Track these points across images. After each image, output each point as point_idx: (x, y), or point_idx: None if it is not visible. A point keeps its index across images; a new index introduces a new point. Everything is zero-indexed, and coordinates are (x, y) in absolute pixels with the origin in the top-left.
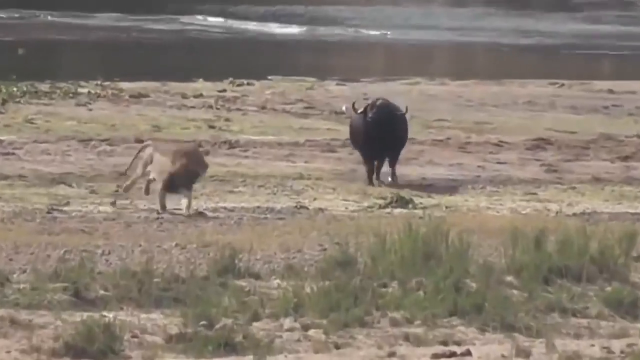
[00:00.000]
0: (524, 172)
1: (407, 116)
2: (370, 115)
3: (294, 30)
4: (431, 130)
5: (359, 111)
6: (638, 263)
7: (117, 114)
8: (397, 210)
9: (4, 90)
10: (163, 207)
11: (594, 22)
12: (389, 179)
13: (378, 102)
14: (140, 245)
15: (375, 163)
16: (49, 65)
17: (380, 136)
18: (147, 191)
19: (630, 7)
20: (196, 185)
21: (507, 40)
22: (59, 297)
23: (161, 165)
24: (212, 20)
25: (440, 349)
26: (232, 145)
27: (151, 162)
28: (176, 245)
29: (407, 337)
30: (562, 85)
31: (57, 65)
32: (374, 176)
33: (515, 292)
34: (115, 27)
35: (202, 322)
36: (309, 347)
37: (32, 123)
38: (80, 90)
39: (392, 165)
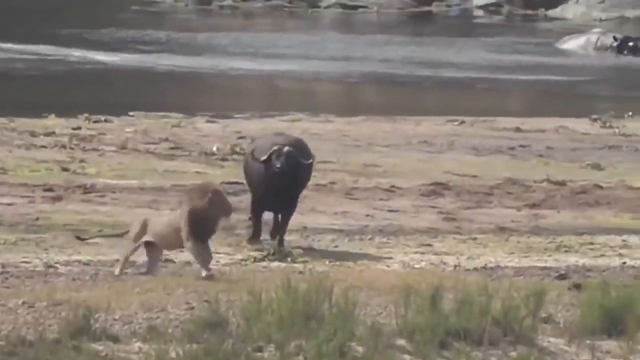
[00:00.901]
0: (418, 220)
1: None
2: (277, 165)
3: (158, 59)
4: (314, 174)
5: (261, 159)
6: (546, 325)
7: None
8: (275, 264)
9: None
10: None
11: (500, 51)
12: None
13: (285, 150)
14: None
15: (271, 217)
16: None
17: (284, 188)
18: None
19: (539, 33)
20: (46, 236)
21: (400, 71)
22: None
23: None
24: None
25: None
26: (87, 190)
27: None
28: (23, 303)
29: None
30: (463, 122)
31: None
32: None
33: (407, 357)
34: None
35: None
36: None
37: None
38: None
39: (284, 224)
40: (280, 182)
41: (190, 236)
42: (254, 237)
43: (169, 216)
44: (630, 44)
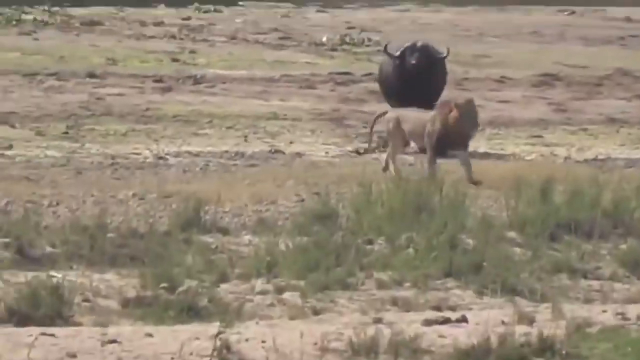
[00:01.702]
0: (528, 112)
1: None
2: (412, 60)
3: None
4: None
5: (395, 54)
6: None
7: (67, 44)
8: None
9: None
10: (433, 175)
11: None
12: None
13: (419, 44)
14: (92, 196)
15: None
16: None
17: (417, 84)
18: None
19: None
20: (156, 127)
21: None
22: (0, 254)
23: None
24: None
25: (432, 314)
26: (197, 80)
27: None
28: (133, 195)
29: (395, 301)
30: (573, 12)
31: None
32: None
33: (517, 250)
34: None
35: (162, 284)
36: (283, 312)
37: None
38: (24, 17)
39: None
40: (413, 78)
41: (436, 143)
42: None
43: (420, 114)
44: None
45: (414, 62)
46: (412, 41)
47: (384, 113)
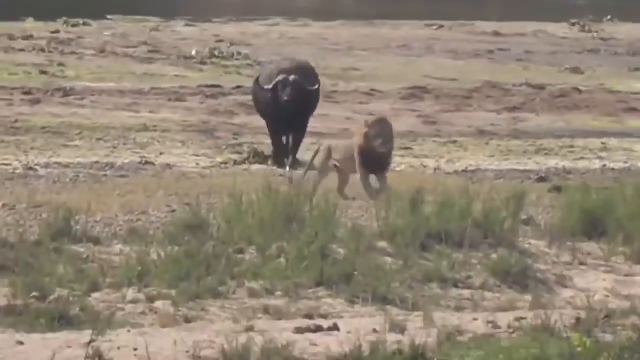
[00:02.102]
0: (398, 124)
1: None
2: (284, 96)
3: None
4: None
5: (265, 87)
6: (527, 227)
7: None
8: (255, 167)
9: None
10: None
11: None
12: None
13: (291, 79)
14: None
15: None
16: None
17: (292, 114)
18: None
19: None
20: (25, 138)
21: None
22: None
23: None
24: None
25: (304, 322)
26: (66, 92)
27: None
28: (3, 205)
29: (266, 310)
30: (441, 26)
31: None
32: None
33: (388, 259)
34: None
35: (33, 293)
36: (154, 321)
37: None
38: None
39: (296, 144)
40: (287, 110)
41: (360, 168)
42: (277, 159)
43: (346, 141)
44: None
45: (286, 98)
46: (282, 75)
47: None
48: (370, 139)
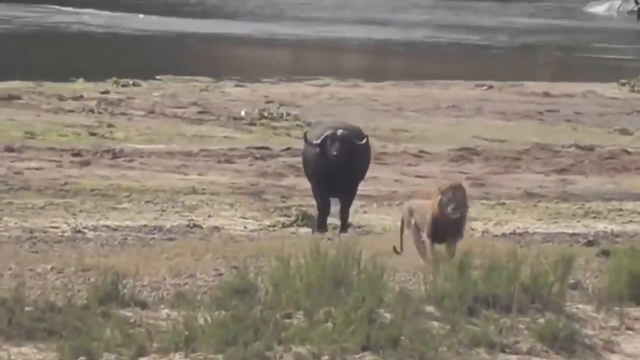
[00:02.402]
0: None
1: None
2: (333, 151)
3: (186, 24)
4: None
5: (314, 142)
6: (574, 291)
7: None
8: (303, 230)
9: None
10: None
11: (530, 15)
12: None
13: (339, 133)
14: (10, 269)
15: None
16: None
17: (340, 174)
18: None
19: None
20: (74, 201)
21: (427, 35)
22: None
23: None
24: (89, 11)
25: None
26: (115, 154)
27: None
28: (52, 268)
29: None
30: (491, 87)
31: None
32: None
33: (435, 324)
34: None
35: (81, 358)
36: None
37: None
38: None
39: (346, 208)
40: (336, 167)
41: (429, 232)
42: (320, 225)
43: (424, 202)
44: None
45: (335, 152)
46: (332, 129)
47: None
48: (443, 205)
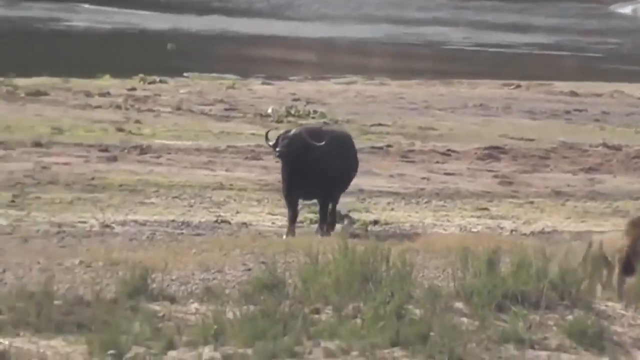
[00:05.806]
0: (474, 184)
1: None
2: (278, 147)
3: (213, 22)
4: (369, 137)
5: (270, 143)
6: (604, 289)
7: (12, 114)
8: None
9: None
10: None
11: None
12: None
13: (292, 132)
14: (39, 263)
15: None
16: None
17: (297, 173)
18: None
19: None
20: (102, 196)
21: (455, 35)
22: None
23: None
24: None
25: None
26: (143, 150)
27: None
28: (80, 263)
29: None
30: (518, 86)
31: None
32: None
33: (464, 320)
34: (5, 17)
35: (110, 351)
36: None
37: None
38: None
39: (322, 208)
40: (290, 165)
41: (619, 266)
42: (288, 229)
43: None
44: None
45: (279, 149)
46: (293, 130)
47: None
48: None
